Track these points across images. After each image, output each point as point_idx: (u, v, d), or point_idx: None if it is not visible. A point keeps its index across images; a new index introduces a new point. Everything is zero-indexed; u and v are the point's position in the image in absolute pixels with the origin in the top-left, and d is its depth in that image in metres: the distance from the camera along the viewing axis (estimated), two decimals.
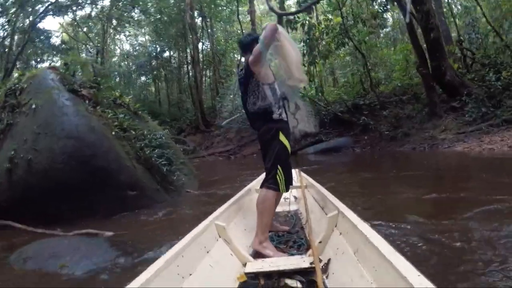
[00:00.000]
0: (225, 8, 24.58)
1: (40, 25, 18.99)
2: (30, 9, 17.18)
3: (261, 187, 2.44)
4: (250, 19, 21.93)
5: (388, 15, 17.29)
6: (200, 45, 23.87)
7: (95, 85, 5.84)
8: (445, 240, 2.49)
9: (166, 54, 26.17)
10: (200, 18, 23.49)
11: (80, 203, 4.44)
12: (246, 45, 2.62)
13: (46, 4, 17.43)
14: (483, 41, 14.34)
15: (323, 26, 16.37)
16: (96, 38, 22.62)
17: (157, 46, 25.20)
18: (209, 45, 25.17)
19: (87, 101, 5.23)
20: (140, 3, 21.36)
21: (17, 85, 5.28)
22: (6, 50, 17.22)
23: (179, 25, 22.56)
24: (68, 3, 18.36)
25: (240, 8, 23.33)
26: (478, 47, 14.40)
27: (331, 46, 16.19)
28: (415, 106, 13.29)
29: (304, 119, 3.09)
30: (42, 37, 18.37)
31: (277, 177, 2.33)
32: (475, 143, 9.03)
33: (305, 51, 16.63)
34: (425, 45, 11.62)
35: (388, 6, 14.55)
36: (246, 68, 2.53)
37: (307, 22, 16.64)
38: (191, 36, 21.87)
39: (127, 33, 26.81)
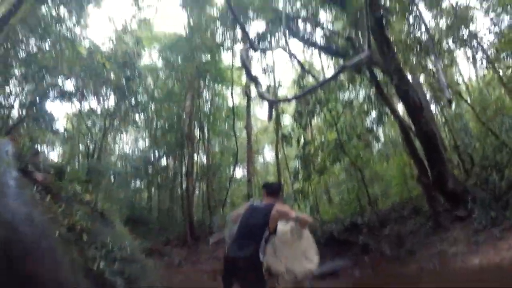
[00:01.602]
0: (224, 122, 25.52)
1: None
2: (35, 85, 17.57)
3: None
4: (246, 134, 22.45)
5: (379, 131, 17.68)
6: (195, 156, 24.03)
7: (57, 173, 5.19)
8: None
9: (164, 162, 26.29)
10: (198, 129, 24.08)
11: None
12: (275, 191, 3.65)
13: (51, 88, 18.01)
14: (480, 143, 14.23)
15: (318, 142, 16.63)
16: (98, 133, 22.90)
17: (155, 152, 25.45)
18: (204, 157, 25.37)
19: (37, 187, 4.44)
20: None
21: None
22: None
23: (178, 134, 23.01)
24: (72, 90, 19.11)
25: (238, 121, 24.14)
26: (473, 149, 14.28)
27: (326, 161, 16.19)
28: (417, 220, 12.54)
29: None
30: (46, 117, 18.51)
31: None
32: (491, 252, 8.09)
33: (299, 167, 16.62)
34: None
35: (384, 119, 14.89)
36: (268, 208, 3.32)
37: (302, 137, 16.99)
38: (187, 146, 22.19)
39: (128, 135, 27.63)
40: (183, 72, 23.54)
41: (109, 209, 6.22)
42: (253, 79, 11.84)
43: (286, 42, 14.13)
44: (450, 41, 14.77)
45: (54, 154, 24.87)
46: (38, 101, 18.13)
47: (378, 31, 9.85)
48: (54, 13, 17.31)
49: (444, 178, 10.43)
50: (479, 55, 16.02)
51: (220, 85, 25.08)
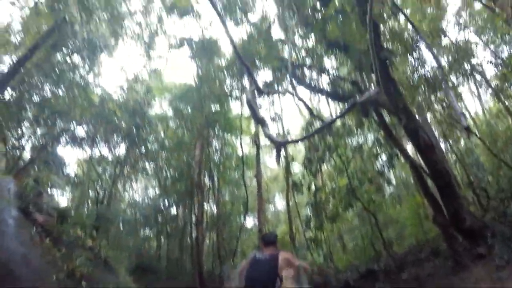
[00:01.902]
0: (234, 171, 25.45)
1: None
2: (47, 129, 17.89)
3: None
4: (256, 183, 22.29)
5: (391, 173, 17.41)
6: (205, 205, 23.79)
7: (60, 216, 5.05)
8: None
9: (173, 211, 26.07)
10: (208, 178, 24.01)
11: None
12: (273, 241, 3.83)
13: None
14: (494, 176, 13.80)
15: (329, 188, 16.41)
16: (108, 179, 22.89)
17: (165, 200, 25.31)
18: (214, 206, 25.08)
19: (36, 228, 4.30)
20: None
21: None
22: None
23: (187, 183, 22.94)
24: (84, 137, 19.44)
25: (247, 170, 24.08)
26: (487, 183, 13.82)
27: (338, 208, 15.88)
28: (435, 261, 11.92)
29: None
30: (56, 161, 18.69)
31: None
32: None
33: (311, 215, 16.34)
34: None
35: (395, 162, 14.66)
36: (273, 259, 3.47)
37: (313, 184, 16.79)
38: (197, 195, 22.02)
39: (138, 183, 27.65)
40: (192, 122, 23.95)
41: (114, 257, 6.04)
42: (259, 120, 11.91)
43: (294, 88, 14.39)
44: (454, 77, 14.92)
45: (63, 199, 24.96)
46: (49, 145, 18.51)
47: (383, 72, 9.99)
48: (68, 60, 18.08)
49: (461, 215, 10.03)
50: (483, 88, 16.14)
51: (229, 134, 25.31)
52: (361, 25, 10.31)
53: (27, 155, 18.17)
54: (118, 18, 19.04)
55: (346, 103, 14.62)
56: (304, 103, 14.79)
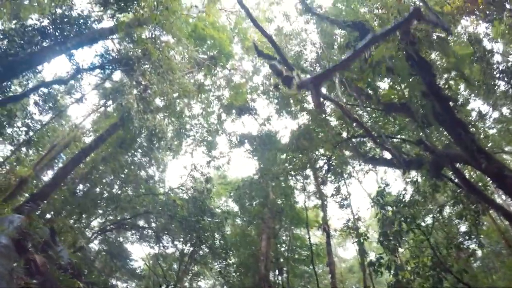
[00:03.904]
0: (304, 263, 23.86)
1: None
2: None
3: None
4: (329, 272, 20.53)
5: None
6: None
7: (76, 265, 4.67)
8: None
9: None
10: (277, 272, 22.62)
11: None
12: None
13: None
14: None
15: (412, 266, 14.56)
16: (173, 275, 22.51)
17: None
18: None
19: (27, 264, 3.83)
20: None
21: None
22: None
23: (255, 277, 21.67)
24: (152, 234, 19.55)
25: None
26: None
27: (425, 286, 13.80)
28: None
29: None
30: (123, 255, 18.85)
31: None
32: None
33: None
34: None
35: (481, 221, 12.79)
36: None
37: (392, 263, 15.06)
38: None
39: (205, 279, 26.67)
40: (257, 215, 23.58)
41: None
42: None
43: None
44: None
45: None
46: (116, 239, 19.03)
47: (448, 116, 9.42)
48: (135, 159, 19.40)
49: None
50: None
51: (296, 225, 24.39)
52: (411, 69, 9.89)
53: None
54: (180, 118, 20.52)
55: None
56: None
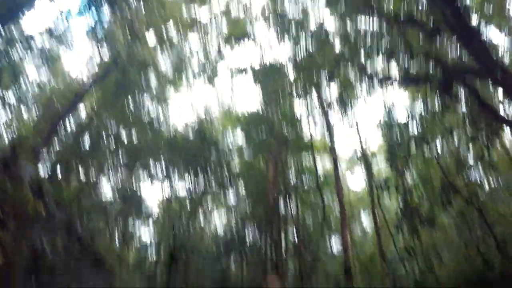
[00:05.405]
0: (312, 191, 24.03)
1: None
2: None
3: None
4: (338, 201, 20.56)
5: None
6: (285, 229, 22.69)
7: None
8: None
9: (252, 238, 25.21)
10: (287, 201, 22.92)
11: None
12: None
13: None
14: None
15: (421, 188, 14.40)
16: (187, 213, 23.15)
17: (244, 228, 24.71)
18: (294, 230, 23.74)
19: None
20: None
21: None
22: None
23: (265, 208, 21.96)
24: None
25: None
26: None
27: (434, 209, 13.72)
28: None
29: None
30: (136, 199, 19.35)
31: None
32: None
33: (402, 220, 14.37)
34: None
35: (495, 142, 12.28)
36: None
37: (401, 184, 14.91)
38: (275, 220, 20.99)
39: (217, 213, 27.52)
40: (265, 146, 23.36)
41: None
42: None
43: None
44: None
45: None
46: (129, 184, 19.20)
47: (459, 24, 8.59)
48: (138, 101, 18.91)
49: None
50: None
51: (303, 152, 24.22)
52: None
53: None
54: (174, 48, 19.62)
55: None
56: None
